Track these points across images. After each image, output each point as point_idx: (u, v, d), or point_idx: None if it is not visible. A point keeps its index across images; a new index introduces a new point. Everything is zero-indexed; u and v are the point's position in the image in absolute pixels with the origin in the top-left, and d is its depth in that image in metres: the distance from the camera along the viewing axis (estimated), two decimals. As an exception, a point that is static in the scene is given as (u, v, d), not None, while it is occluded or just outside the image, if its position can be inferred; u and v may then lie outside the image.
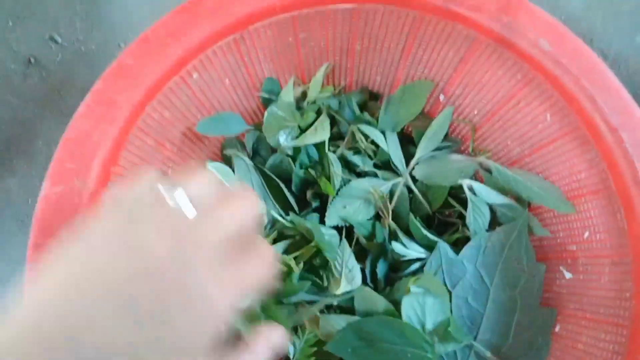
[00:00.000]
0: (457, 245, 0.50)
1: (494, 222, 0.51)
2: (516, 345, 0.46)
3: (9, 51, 0.64)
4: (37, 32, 0.65)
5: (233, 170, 0.52)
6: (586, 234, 0.47)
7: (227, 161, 0.55)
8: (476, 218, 0.48)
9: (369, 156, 0.54)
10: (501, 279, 0.46)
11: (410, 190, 0.53)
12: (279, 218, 0.49)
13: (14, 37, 0.64)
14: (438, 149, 0.54)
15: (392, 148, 0.53)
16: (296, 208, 0.54)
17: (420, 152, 0.53)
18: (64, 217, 0.40)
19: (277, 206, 0.53)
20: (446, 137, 0.56)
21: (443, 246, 0.46)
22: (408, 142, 0.56)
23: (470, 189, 0.49)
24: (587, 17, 0.66)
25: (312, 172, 0.51)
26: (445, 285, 0.45)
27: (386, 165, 0.54)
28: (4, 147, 0.63)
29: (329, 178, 0.51)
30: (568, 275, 0.49)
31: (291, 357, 0.44)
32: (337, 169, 0.50)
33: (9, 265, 0.62)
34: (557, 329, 0.48)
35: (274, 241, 0.48)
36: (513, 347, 0.46)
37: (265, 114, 0.51)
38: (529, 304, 0.46)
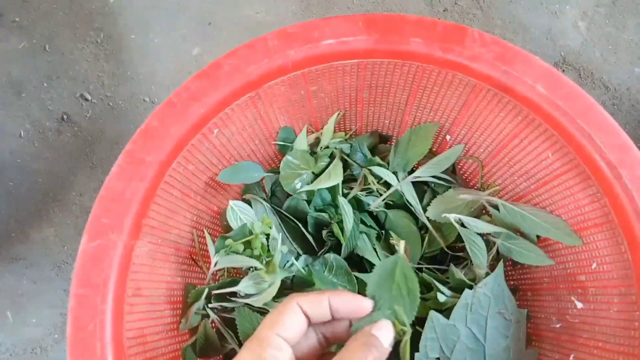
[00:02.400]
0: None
1: (499, 257, 0.53)
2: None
3: (45, 110, 0.70)
4: (69, 91, 0.70)
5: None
6: (594, 265, 0.49)
7: (248, 203, 0.58)
8: (473, 250, 0.50)
9: (381, 196, 0.57)
10: (493, 332, 0.47)
11: (423, 227, 0.56)
12: (295, 262, 0.52)
13: (48, 97, 0.70)
14: (447, 186, 0.57)
15: (406, 188, 0.56)
16: (315, 246, 0.57)
17: (419, 173, 0.55)
18: (101, 268, 0.44)
19: (294, 245, 0.56)
20: (454, 174, 0.59)
21: (435, 315, 0.47)
22: (418, 182, 0.58)
23: (459, 222, 0.51)
24: (586, 52, 0.69)
25: (325, 215, 0.54)
26: (443, 352, 0.47)
27: (397, 204, 0.57)
28: (42, 198, 0.68)
29: (342, 220, 0.54)
30: (579, 304, 0.50)
31: None
32: (348, 213, 0.52)
33: (49, 308, 0.66)
34: (571, 358, 0.49)
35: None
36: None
37: (281, 164, 0.54)
38: (519, 348, 0.48)
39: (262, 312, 0.51)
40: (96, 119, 0.69)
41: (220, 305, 0.51)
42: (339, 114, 0.57)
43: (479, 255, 0.51)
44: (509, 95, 0.48)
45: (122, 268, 0.45)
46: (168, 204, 0.51)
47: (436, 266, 0.56)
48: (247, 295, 0.50)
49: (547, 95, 0.46)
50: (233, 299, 0.51)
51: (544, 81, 0.46)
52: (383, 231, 0.57)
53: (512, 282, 0.60)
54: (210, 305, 0.51)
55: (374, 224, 0.57)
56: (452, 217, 0.52)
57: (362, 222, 0.57)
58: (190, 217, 0.55)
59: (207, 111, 0.48)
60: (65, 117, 0.70)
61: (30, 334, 0.65)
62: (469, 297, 0.48)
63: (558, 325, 0.52)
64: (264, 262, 0.51)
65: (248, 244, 0.52)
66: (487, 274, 0.50)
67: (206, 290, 0.51)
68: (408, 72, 0.51)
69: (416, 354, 0.47)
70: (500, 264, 0.50)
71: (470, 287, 0.49)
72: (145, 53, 0.72)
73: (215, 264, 0.51)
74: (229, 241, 0.50)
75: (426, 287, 0.54)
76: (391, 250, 0.55)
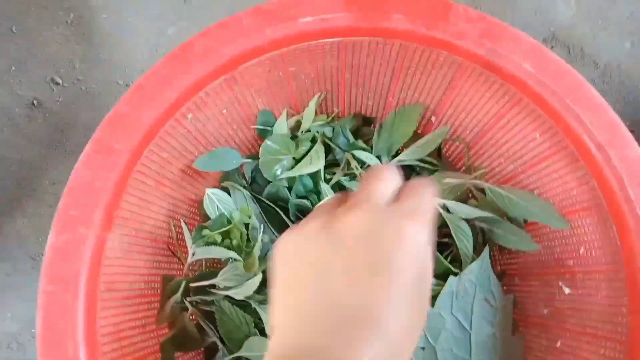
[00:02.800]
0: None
1: (485, 242, 0.52)
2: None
3: (13, 95, 0.66)
4: (38, 75, 0.67)
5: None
6: (582, 250, 0.48)
7: (227, 190, 0.56)
8: (458, 236, 0.49)
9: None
10: (479, 320, 0.46)
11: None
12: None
13: (17, 82, 0.67)
14: (432, 170, 0.55)
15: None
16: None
17: (404, 156, 0.54)
18: (71, 263, 0.42)
19: (274, 232, 0.54)
20: (440, 157, 0.57)
21: None
22: (402, 166, 0.57)
23: (444, 207, 0.50)
24: (577, 27, 0.67)
25: (307, 202, 0.52)
26: (429, 341, 0.46)
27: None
28: (14, 187, 0.65)
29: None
30: (567, 290, 0.49)
31: None
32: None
33: (24, 302, 0.64)
34: (558, 344, 0.49)
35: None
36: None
37: (261, 149, 0.52)
38: (506, 335, 0.47)
39: (242, 305, 0.49)
40: (68, 104, 0.66)
41: (199, 298, 0.50)
42: (320, 95, 0.55)
43: (465, 240, 0.49)
44: (495, 74, 0.46)
45: (93, 262, 0.43)
46: (142, 193, 0.48)
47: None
48: (227, 288, 0.48)
49: (535, 74, 0.44)
50: (212, 290, 0.49)
51: (531, 59, 0.44)
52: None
53: (499, 268, 0.58)
54: (188, 299, 0.50)
55: (357, 210, 0.55)
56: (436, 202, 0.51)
57: (346, 208, 0.55)
58: (167, 206, 0.53)
59: (180, 95, 0.45)
60: (35, 102, 0.67)
61: (6, 328, 0.63)
62: (454, 284, 0.47)
63: (546, 311, 0.51)
64: (244, 252, 0.49)
65: (227, 234, 0.50)
66: (473, 260, 0.49)
67: (184, 283, 0.49)
68: (391, 50, 0.49)
69: None
70: (486, 249, 0.49)
71: (456, 274, 0.48)
72: (118, 34, 0.68)
73: (193, 255, 0.50)
74: (206, 232, 0.49)
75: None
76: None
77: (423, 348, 0.45)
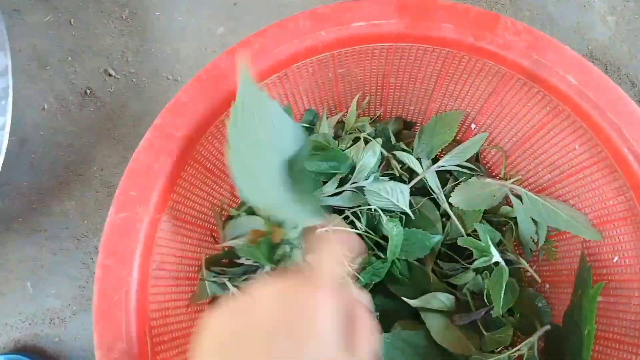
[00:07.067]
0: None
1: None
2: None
3: (68, 83, 0.70)
4: (92, 65, 0.70)
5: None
6: (615, 259, 0.49)
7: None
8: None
9: (403, 182, 0.57)
10: None
11: (444, 215, 0.56)
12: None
13: (72, 71, 0.70)
14: (470, 175, 0.57)
15: (429, 174, 0.56)
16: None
17: (444, 162, 0.55)
18: (127, 240, 0.44)
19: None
20: (478, 163, 0.59)
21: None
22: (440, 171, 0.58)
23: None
24: (614, 47, 0.68)
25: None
26: None
27: (419, 190, 0.57)
28: (63, 172, 0.69)
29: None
30: (598, 298, 0.50)
31: None
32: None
33: (68, 280, 0.67)
34: (587, 350, 0.50)
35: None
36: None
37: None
38: None
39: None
40: (119, 94, 0.70)
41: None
42: (361, 96, 0.57)
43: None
44: (538, 85, 0.48)
45: (147, 241, 0.45)
46: (193, 179, 0.51)
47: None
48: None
49: (578, 86, 0.46)
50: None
51: (575, 72, 0.46)
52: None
53: (529, 274, 0.60)
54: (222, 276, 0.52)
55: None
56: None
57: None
58: (213, 194, 0.55)
59: (235, 89, 0.48)
60: (88, 91, 0.70)
61: (49, 305, 0.66)
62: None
63: (575, 318, 0.52)
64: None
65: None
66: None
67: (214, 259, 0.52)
68: (437, 58, 0.51)
69: None
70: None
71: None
72: (169, 31, 0.72)
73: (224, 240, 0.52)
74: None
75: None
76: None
77: None
